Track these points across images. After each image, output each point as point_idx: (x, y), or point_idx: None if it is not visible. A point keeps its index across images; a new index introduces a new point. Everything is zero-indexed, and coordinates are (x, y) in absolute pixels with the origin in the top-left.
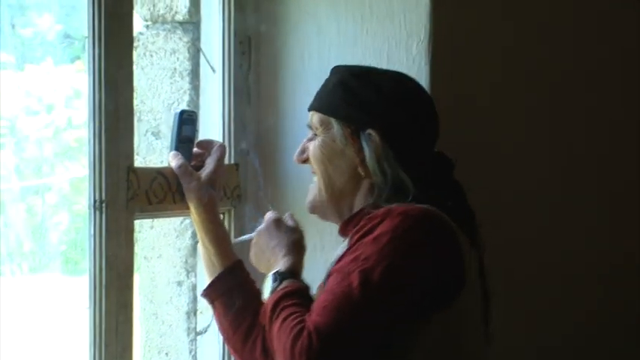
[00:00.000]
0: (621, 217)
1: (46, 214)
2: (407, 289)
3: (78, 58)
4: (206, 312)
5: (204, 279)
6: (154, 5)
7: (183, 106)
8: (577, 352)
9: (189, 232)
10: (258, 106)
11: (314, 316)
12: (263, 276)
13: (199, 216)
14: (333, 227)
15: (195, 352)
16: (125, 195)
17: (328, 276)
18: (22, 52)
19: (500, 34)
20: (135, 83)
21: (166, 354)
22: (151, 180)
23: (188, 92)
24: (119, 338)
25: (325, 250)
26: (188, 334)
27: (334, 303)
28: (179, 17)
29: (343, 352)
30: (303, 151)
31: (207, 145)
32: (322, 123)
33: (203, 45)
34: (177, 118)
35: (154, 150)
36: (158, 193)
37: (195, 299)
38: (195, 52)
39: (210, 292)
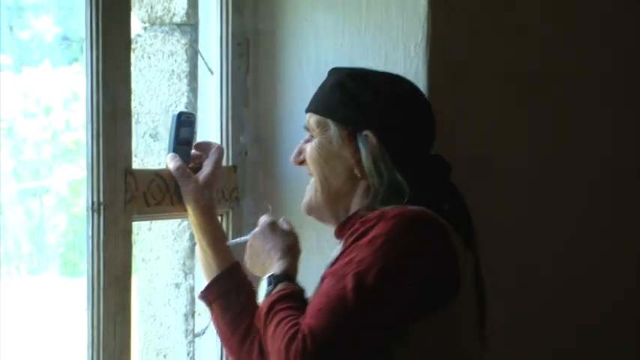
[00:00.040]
0: (622, 218)
1: (44, 216)
2: (401, 291)
3: (76, 60)
4: (204, 314)
5: (202, 281)
6: (151, 7)
7: (181, 108)
8: (577, 352)
9: (187, 234)
10: (256, 107)
11: (308, 319)
12: (260, 278)
13: (197, 218)
14: (330, 230)
15: (193, 354)
16: (123, 197)
17: (323, 279)
18: (19, 54)
19: (499, 35)
20: (132, 85)
21: (164, 356)
22: (148, 182)
23: (186, 94)
24: (117, 340)
25: (321, 253)
26: (186, 336)
27: (329, 306)
28: (177, 19)
29: (337, 355)
30: (300, 152)
31: (205, 147)
32: (319, 124)
33: (201, 47)
34: (175, 120)
35: (151, 152)
36: (156, 195)
37: (193, 301)
38: (193, 54)
39: (207, 294)
